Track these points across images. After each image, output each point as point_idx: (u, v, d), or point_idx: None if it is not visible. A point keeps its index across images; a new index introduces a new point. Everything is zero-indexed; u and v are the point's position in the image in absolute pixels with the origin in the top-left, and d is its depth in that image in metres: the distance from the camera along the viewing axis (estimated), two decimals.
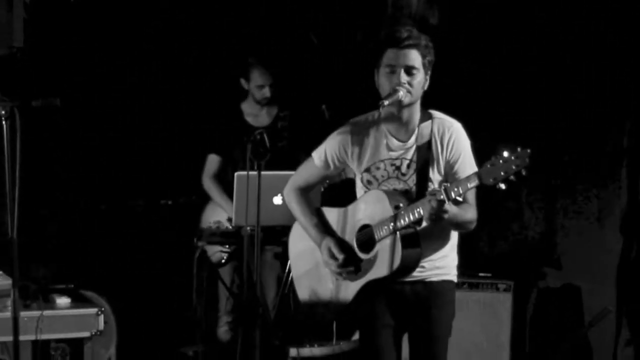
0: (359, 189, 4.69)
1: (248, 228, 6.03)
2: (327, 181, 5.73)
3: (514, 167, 4.04)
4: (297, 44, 7.39)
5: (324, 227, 4.78)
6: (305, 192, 4.88)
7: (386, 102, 4.46)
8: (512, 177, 4.06)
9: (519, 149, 4.06)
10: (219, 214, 6.46)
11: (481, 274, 6.66)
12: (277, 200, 5.94)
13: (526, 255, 7.00)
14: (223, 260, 6.33)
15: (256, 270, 5.26)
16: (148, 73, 7.27)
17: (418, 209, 4.36)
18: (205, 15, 7.33)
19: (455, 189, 4.23)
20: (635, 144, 6.58)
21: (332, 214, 4.81)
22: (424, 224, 4.44)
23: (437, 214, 4.27)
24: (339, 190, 4.98)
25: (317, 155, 4.78)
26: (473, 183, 4.19)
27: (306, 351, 6.44)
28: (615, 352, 6.56)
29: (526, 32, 6.84)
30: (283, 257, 6.35)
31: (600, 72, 6.61)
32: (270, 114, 6.69)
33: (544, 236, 6.97)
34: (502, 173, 4.06)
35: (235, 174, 5.93)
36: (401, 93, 4.46)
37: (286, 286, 6.30)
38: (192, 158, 6.73)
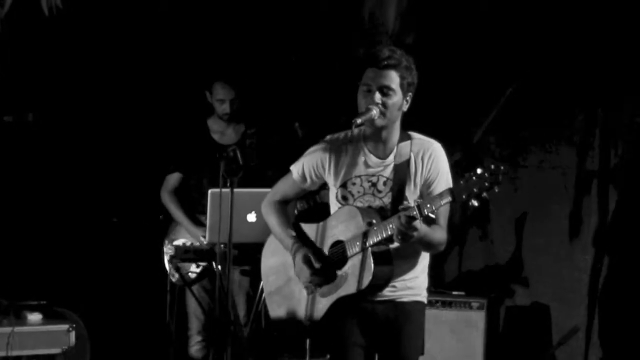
0: (333, 204, 4.69)
1: (221, 245, 6.04)
2: (300, 205, 5.78)
3: (486, 184, 4.05)
4: (267, 61, 7.38)
5: (301, 240, 4.76)
6: (282, 205, 4.88)
7: (359, 121, 4.45)
8: (484, 194, 4.07)
9: (492, 166, 4.07)
10: (184, 234, 6.46)
11: (454, 292, 6.67)
12: (251, 217, 5.94)
13: (495, 274, 7.02)
14: (192, 277, 6.32)
15: (228, 287, 5.25)
16: (117, 87, 7.25)
17: (390, 226, 4.36)
18: (175, 30, 7.31)
19: (428, 205, 4.22)
20: (605, 164, 6.61)
21: (308, 229, 4.81)
22: (396, 242, 4.44)
23: (407, 231, 4.27)
24: (312, 214, 4.97)
25: (296, 170, 4.78)
26: (446, 199, 4.18)
27: None
28: None
29: (501, 51, 6.87)
30: (251, 274, 6.35)
31: (571, 92, 6.66)
32: (237, 132, 6.60)
33: (514, 255, 6.99)
34: (474, 189, 4.07)
35: (209, 190, 5.92)
36: (374, 112, 4.46)
37: (259, 303, 6.30)
38: (158, 174, 6.67)
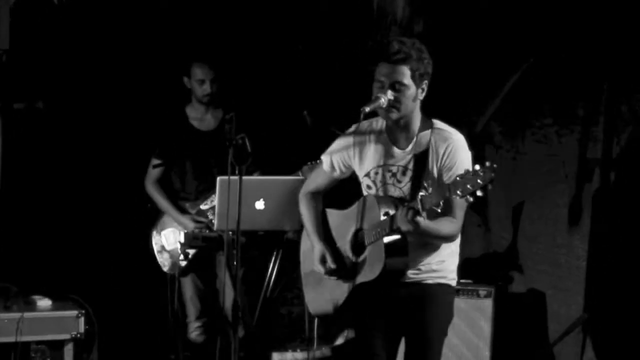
0: (364, 192, 4.76)
1: (230, 232, 6.06)
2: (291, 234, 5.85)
3: (480, 182, 4.06)
4: (252, 46, 7.38)
5: (324, 232, 4.86)
6: (315, 196, 4.96)
7: (367, 109, 4.49)
8: (478, 192, 4.08)
9: (487, 164, 4.08)
10: (171, 223, 6.48)
11: (462, 280, 6.68)
12: (259, 205, 5.96)
13: (493, 261, 7.03)
14: (183, 263, 6.34)
15: (237, 273, 5.28)
16: (102, 78, 7.26)
17: (397, 219, 4.40)
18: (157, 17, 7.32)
19: (430, 199, 4.25)
20: (607, 152, 6.61)
21: (333, 217, 4.90)
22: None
23: (409, 224, 4.32)
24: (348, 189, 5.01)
25: (325, 160, 4.86)
26: (444, 195, 4.21)
27: (288, 356, 6.45)
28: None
29: (505, 40, 6.87)
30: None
31: (575, 80, 6.65)
32: (216, 117, 6.56)
33: (511, 243, 7.00)
34: (469, 187, 4.08)
35: (218, 178, 5.94)
36: (382, 100, 4.48)
37: (267, 291, 6.33)
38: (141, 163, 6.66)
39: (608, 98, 6.59)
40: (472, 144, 4.66)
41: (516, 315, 6.82)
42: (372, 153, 4.67)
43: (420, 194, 4.32)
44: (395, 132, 4.63)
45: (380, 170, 4.65)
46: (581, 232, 6.68)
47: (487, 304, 6.59)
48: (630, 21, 6.42)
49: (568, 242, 6.74)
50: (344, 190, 4.96)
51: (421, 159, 4.55)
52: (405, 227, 4.34)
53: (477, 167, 4.08)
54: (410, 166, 4.58)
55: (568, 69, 6.68)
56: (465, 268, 5.50)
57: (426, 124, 4.61)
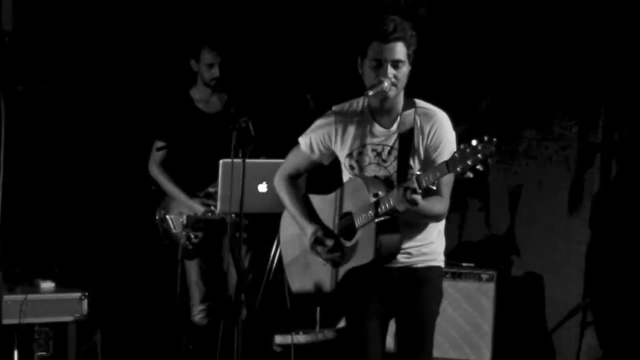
0: (345, 174, 4.73)
1: (233, 215, 6.07)
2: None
3: (480, 156, 4.05)
4: (255, 30, 7.38)
5: (310, 215, 4.81)
6: (294, 179, 4.92)
7: (371, 93, 4.48)
8: (479, 166, 4.07)
9: (485, 138, 4.07)
10: (177, 205, 6.48)
11: (464, 264, 6.70)
12: (262, 187, 5.97)
13: (493, 245, 7.04)
14: (189, 247, 6.35)
15: (240, 256, 5.29)
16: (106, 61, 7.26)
17: (391, 199, 4.39)
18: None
19: (427, 178, 4.24)
20: (609, 139, 6.61)
21: (317, 201, 4.86)
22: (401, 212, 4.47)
23: (407, 203, 4.29)
24: (327, 175, 4.99)
25: (304, 142, 4.81)
26: (442, 172, 4.20)
27: (291, 338, 6.47)
28: (580, 349, 6.60)
29: (513, 25, 6.86)
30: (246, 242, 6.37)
31: (576, 66, 6.64)
32: (221, 100, 6.58)
33: (510, 227, 7.01)
34: (469, 162, 4.07)
35: (221, 161, 5.94)
36: (386, 84, 4.48)
37: (270, 273, 6.34)
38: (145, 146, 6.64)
39: (610, 82, 6.59)
40: (476, 126, 4.66)
41: (517, 299, 6.83)
42: (355, 133, 4.65)
43: (416, 172, 4.33)
44: (378, 112, 4.61)
45: (363, 150, 4.63)
46: (580, 216, 6.69)
47: (490, 288, 6.60)
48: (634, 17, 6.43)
49: (567, 226, 6.74)
50: (323, 177, 4.95)
51: (406, 138, 4.54)
52: (402, 206, 4.32)
53: (475, 142, 4.07)
54: (396, 145, 4.57)
55: (569, 57, 6.67)
56: (466, 251, 5.55)
57: (409, 103, 4.61)
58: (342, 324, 6.58)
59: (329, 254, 4.69)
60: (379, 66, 4.50)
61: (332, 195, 4.76)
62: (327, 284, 4.74)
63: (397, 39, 4.49)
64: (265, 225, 6.29)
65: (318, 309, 6.29)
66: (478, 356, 6.59)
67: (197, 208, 6.36)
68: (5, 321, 4.82)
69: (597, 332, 6.57)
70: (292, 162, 4.91)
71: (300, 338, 6.44)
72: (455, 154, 4.13)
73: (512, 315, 6.76)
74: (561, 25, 6.69)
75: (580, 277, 6.67)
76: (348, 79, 4.84)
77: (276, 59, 7.35)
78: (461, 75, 6.98)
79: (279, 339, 6.51)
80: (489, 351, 6.58)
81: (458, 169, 4.11)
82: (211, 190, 6.38)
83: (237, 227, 5.36)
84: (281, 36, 7.39)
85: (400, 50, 4.49)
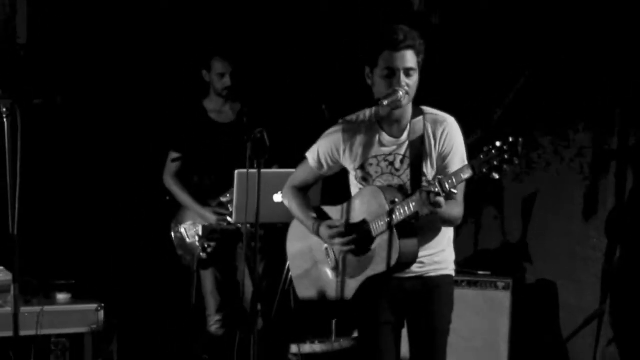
0: (354, 186, 4.73)
1: (248, 225, 6.08)
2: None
3: (506, 157, 4.06)
4: (269, 40, 7.39)
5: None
6: (302, 191, 4.94)
7: (386, 102, 4.48)
8: (505, 167, 4.08)
9: (510, 139, 4.07)
10: (191, 216, 6.49)
11: (480, 272, 6.68)
12: (277, 197, 5.97)
13: (508, 253, 7.03)
14: (204, 256, 6.36)
15: (256, 266, 5.29)
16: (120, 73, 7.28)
17: (413, 203, 4.38)
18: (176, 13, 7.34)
19: (450, 181, 4.24)
20: (624, 145, 6.59)
21: (331, 212, 4.85)
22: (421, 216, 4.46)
23: (430, 207, 4.29)
24: (339, 186, 4.99)
25: (311, 156, 4.83)
26: (467, 174, 4.19)
27: (307, 348, 6.47)
28: (595, 356, 6.58)
29: (524, 31, 6.85)
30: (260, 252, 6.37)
31: (592, 72, 6.62)
32: (233, 110, 6.60)
33: (524, 234, 7.00)
34: (495, 163, 4.08)
35: (236, 171, 5.95)
36: (400, 94, 4.49)
37: (286, 283, 6.34)
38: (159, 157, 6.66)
39: (625, 88, 6.58)
40: (490, 135, 4.66)
41: (531, 307, 6.82)
42: (365, 144, 4.66)
43: (438, 176, 4.32)
44: (387, 121, 4.62)
45: (374, 161, 4.64)
46: (596, 223, 6.67)
47: (506, 296, 6.59)
48: None
49: (583, 232, 6.73)
50: (336, 187, 4.95)
51: (417, 145, 4.56)
52: (425, 210, 4.32)
53: (499, 143, 4.08)
54: (408, 154, 4.58)
55: (583, 60, 6.66)
56: (482, 260, 5.54)
57: (417, 111, 4.62)
58: (357, 333, 6.58)
59: (342, 240, 4.67)
60: (392, 75, 4.51)
61: (345, 205, 4.77)
62: (341, 295, 4.74)
63: (408, 47, 4.51)
64: (280, 235, 6.31)
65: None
66: None
67: (210, 217, 6.37)
68: (22, 332, 4.82)
69: (613, 339, 6.54)
70: (300, 175, 4.94)
71: (317, 347, 6.44)
72: (480, 156, 4.14)
73: (527, 323, 6.74)
74: (576, 29, 6.67)
75: (596, 283, 6.65)
76: (360, 88, 4.83)
77: (290, 68, 7.35)
78: (474, 81, 6.97)
79: (294, 348, 6.50)
80: (506, 358, 6.56)
81: (484, 169, 4.12)
82: (223, 199, 6.39)
83: (253, 237, 5.36)
84: (295, 45, 7.39)
85: (411, 59, 4.51)
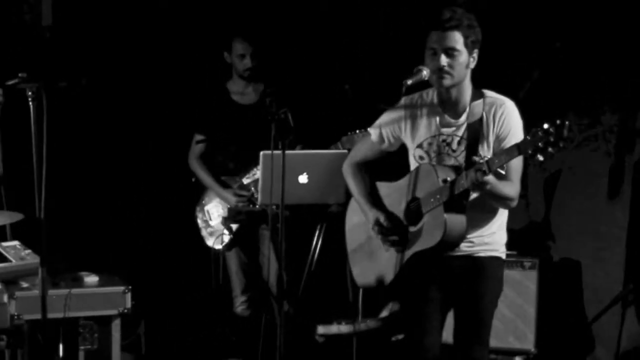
0: (412, 164, 4.78)
1: (274, 207, 6.09)
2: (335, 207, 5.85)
3: (552, 139, 4.08)
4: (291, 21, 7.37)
5: (376, 201, 4.88)
6: (361, 166, 4.98)
7: (409, 82, 4.52)
8: (550, 149, 4.09)
9: (557, 121, 4.10)
10: (214, 198, 6.50)
11: (507, 252, 6.65)
12: (303, 179, 5.97)
13: (532, 232, 7.00)
14: (227, 238, 6.37)
15: (281, 248, 5.30)
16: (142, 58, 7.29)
17: (462, 181, 4.43)
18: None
19: (497, 161, 4.28)
20: None
21: (384, 188, 4.93)
22: (471, 196, 4.52)
23: (479, 185, 4.34)
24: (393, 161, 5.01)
25: (374, 132, 4.89)
26: (513, 154, 4.24)
27: (333, 328, 6.47)
28: (620, 335, 6.54)
29: (550, 8, 6.81)
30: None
31: (618, 51, 6.58)
32: (257, 91, 6.59)
33: (547, 213, 6.97)
34: (540, 144, 4.10)
35: (261, 152, 5.95)
36: (424, 73, 4.54)
37: (312, 264, 6.34)
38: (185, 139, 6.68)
39: None
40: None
41: (557, 286, 6.80)
42: (425, 124, 4.71)
43: (486, 156, 4.35)
44: (447, 103, 4.67)
45: (434, 141, 4.69)
46: (621, 202, 6.64)
47: (533, 275, 6.58)
48: None
49: (608, 212, 6.69)
50: (388, 164, 4.96)
51: (475, 127, 4.60)
52: (474, 188, 4.39)
53: (546, 125, 4.10)
54: (465, 136, 4.62)
55: (609, 39, 6.61)
56: (509, 239, 5.48)
57: (477, 94, 4.65)
58: (384, 313, 6.58)
59: (389, 238, 4.73)
60: (434, 54, 4.55)
61: (400, 182, 4.82)
62: (391, 270, 4.78)
63: (452, 28, 4.52)
64: (305, 216, 6.32)
65: (360, 298, 6.28)
66: (522, 344, 6.56)
67: (230, 199, 6.38)
68: (50, 315, 4.84)
69: (638, 318, 6.52)
70: (361, 150, 4.99)
71: (343, 328, 6.44)
72: (527, 137, 4.16)
73: (553, 302, 6.72)
74: (600, 11, 6.62)
75: (621, 262, 6.62)
76: (387, 69, 4.83)
77: (312, 48, 7.33)
78: (501, 59, 6.94)
79: (321, 329, 6.51)
80: (532, 338, 6.55)
81: (530, 150, 4.14)
82: (245, 181, 6.40)
83: (278, 218, 5.37)
84: (317, 24, 7.37)
85: (456, 39, 4.53)
